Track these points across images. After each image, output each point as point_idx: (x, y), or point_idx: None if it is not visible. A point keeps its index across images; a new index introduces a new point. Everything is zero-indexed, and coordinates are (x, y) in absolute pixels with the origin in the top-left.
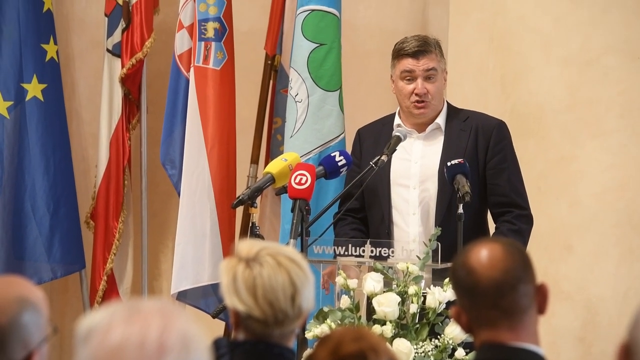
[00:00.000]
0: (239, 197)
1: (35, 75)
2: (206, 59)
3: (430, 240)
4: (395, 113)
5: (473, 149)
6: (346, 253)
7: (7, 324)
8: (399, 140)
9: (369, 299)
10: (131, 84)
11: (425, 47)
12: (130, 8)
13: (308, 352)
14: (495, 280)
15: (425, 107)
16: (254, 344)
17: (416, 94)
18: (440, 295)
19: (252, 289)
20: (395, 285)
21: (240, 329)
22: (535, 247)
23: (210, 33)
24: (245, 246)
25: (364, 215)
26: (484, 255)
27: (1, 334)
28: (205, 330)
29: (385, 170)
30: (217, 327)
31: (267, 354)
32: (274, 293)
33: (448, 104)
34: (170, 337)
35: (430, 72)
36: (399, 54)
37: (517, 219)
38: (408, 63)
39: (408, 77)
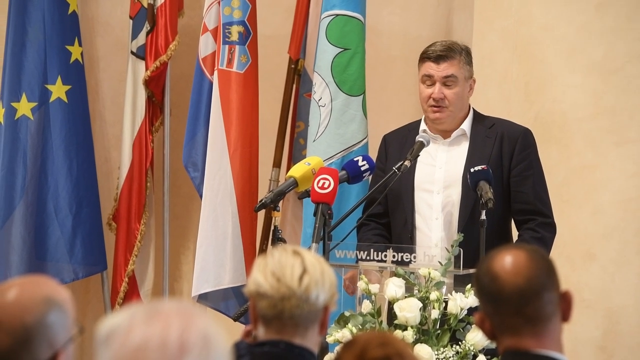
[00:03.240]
0: (261, 200)
1: (59, 77)
2: (230, 62)
3: (452, 246)
4: (421, 119)
5: (498, 155)
6: (368, 258)
7: (33, 323)
8: (422, 145)
9: (391, 304)
10: (155, 86)
11: (447, 52)
12: (155, 11)
13: (330, 356)
14: (519, 287)
15: (441, 112)
16: (274, 343)
17: (432, 99)
18: (462, 301)
19: (264, 268)
20: (416, 291)
21: (257, 322)
22: (557, 255)
23: (235, 36)
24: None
25: (387, 221)
26: (508, 262)
27: (27, 334)
28: (226, 333)
29: (409, 175)
30: (238, 330)
31: (287, 354)
32: (281, 269)
33: (474, 110)
34: (191, 337)
35: (449, 78)
36: (422, 57)
37: (540, 226)
38: (429, 67)
39: (428, 82)
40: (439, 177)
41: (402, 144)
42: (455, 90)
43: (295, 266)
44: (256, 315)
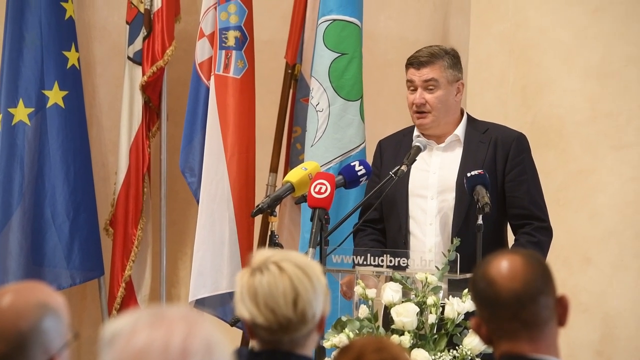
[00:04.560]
0: (258, 205)
1: (56, 82)
2: (227, 67)
3: (449, 251)
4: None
5: (492, 160)
6: (365, 262)
7: (28, 329)
8: (418, 150)
9: (387, 309)
10: (152, 91)
11: (428, 57)
12: (152, 16)
13: None
14: (515, 291)
15: (425, 117)
16: (272, 353)
17: (414, 104)
18: (459, 306)
19: (254, 296)
20: (413, 296)
21: (254, 337)
22: (554, 259)
23: (231, 42)
24: (257, 255)
25: (383, 226)
26: (504, 266)
27: (22, 340)
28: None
29: (403, 180)
30: (235, 336)
31: None
32: (273, 299)
33: (468, 115)
34: (194, 342)
35: (429, 82)
36: (406, 63)
37: (536, 231)
38: (411, 73)
39: (411, 87)
40: (433, 182)
41: (397, 150)
42: (437, 94)
43: (287, 291)
44: (253, 333)
